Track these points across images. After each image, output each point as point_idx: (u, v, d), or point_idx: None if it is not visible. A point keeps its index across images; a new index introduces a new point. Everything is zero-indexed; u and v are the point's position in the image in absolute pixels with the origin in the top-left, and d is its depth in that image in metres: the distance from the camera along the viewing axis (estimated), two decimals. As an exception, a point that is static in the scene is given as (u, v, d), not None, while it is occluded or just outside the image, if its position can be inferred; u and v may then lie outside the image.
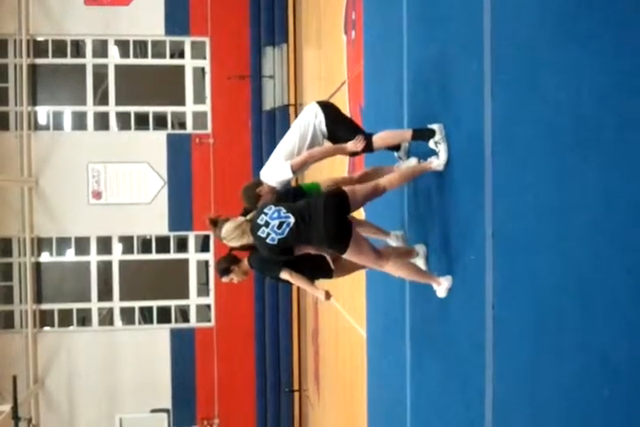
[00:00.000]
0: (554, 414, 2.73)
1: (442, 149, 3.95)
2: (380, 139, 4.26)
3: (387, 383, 5.70)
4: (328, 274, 4.45)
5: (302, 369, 12.63)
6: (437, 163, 3.96)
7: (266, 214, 3.81)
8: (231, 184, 11.88)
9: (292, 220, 3.76)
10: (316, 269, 4.40)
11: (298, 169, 4.30)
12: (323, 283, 4.61)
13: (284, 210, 3.80)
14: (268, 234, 3.77)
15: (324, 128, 4.32)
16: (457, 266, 3.83)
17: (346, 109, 7.81)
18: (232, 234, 3.89)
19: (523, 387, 2.96)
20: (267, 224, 3.78)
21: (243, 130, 12.62)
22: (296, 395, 12.64)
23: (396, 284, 4.99)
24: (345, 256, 3.87)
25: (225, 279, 4.51)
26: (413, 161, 4.45)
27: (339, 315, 8.60)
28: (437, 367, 4.20)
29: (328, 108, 4.40)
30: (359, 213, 5.57)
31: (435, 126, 4.00)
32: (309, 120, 4.33)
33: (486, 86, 3.32)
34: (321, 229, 3.72)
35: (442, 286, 3.89)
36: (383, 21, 5.74)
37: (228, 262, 4.45)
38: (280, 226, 3.76)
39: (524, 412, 2.98)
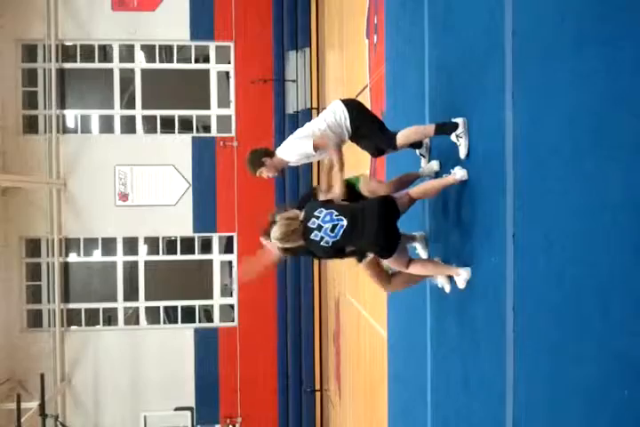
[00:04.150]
0: (574, 415, 2.73)
1: (462, 144, 3.92)
2: (403, 136, 4.25)
3: (407, 383, 5.73)
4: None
5: (324, 369, 12.69)
6: (462, 174, 3.92)
7: (318, 218, 3.82)
8: (254, 187, 12.01)
9: (344, 222, 3.78)
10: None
11: (317, 148, 4.19)
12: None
13: (336, 213, 3.82)
14: (322, 237, 3.79)
15: (348, 125, 4.32)
16: (478, 267, 3.85)
17: (368, 113, 7.85)
18: (287, 237, 3.83)
19: (543, 388, 2.96)
20: (319, 228, 3.79)
21: (266, 133, 12.75)
22: (317, 395, 12.70)
23: (416, 286, 5.04)
24: (385, 260, 3.94)
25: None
26: (434, 164, 4.51)
27: (360, 316, 8.65)
28: (458, 369, 4.20)
29: (352, 106, 4.39)
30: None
31: (458, 120, 3.98)
32: (336, 116, 4.32)
33: (507, 89, 3.32)
34: (372, 235, 3.76)
35: (460, 277, 3.93)
36: (405, 25, 5.78)
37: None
38: (333, 229, 3.78)
39: (544, 413, 2.97)
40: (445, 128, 4.06)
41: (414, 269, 4.02)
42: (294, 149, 4.28)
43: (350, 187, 4.28)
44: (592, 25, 2.60)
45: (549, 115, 2.94)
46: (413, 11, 5.32)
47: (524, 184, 3.20)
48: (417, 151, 4.77)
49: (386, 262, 4.09)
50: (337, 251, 3.90)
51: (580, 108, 2.69)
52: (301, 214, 3.91)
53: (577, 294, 2.70)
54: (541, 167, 3.01)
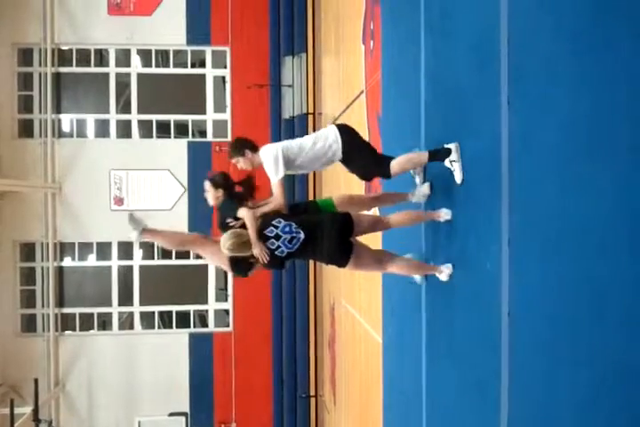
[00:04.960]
0: (569, 419, 2.74)
1: (457, 168, 4.01)
2: (397, 164, 4.31)
3: (402, 389, 5.72)
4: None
5: (318, 375, 12.66)
6: (446, 212, 4.13)
7: (276, 227, 3.99)
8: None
9: (302, 236, 3.98)
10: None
11: (276, 185, 4.28)
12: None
13: (295, 225, 3.99)
14: (278, 246, 3.99)
15: (340, 149, 4.36)
16: (474, 273, 3.87)
17: (364, 118, 7.88)
18: (237, 249, 3.98)
19: (538, 393, 2.97)
20: (277, 237, 3.98)
21: (262, 138, 12.59)
22: (312, 400, 12.67)
23: (412, 290, 5.05)
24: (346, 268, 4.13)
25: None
26: (426, 187, 4.55)
27: (355, 321, 8.64)
28: (453, 374, 4.21)
29: (344, 131, 4.42)
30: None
31: (451, 145, 4.04)
32: (327, 140, 4.36)
33: (503, 96, 3.34)
34: (324, 250, 3.98)
35: (443, 273, 4.11)
36: (401, 32, 5.79)
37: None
38: (291, 240, 3.98)
39: (539, 417, 2.99)
40: (439, 155, 4.13)
41: (395, 269, 4.20)
42: (267, 163, 4.32)
43: (318, 208, 4.42)
44: (586, 33, 2.61)
45: (545, 122, 2.95)
46: (409, 16, 5.34)
47: (519, 191, 3.22)
48: (410, 171, 4.78)
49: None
50: (282, 262, 4.11)
51: (576, 116, 2.70)
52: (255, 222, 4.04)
53: (572, 299, 2.71)
54: (537, 174, 3.02)
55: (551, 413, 2.89)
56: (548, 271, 2.91)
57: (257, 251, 4.04)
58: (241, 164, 4.43)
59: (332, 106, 10.93)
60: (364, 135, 5.46)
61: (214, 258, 4.44)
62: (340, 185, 9.60)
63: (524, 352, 3.15)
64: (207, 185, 4.46)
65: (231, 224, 4.17)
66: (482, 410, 3.67)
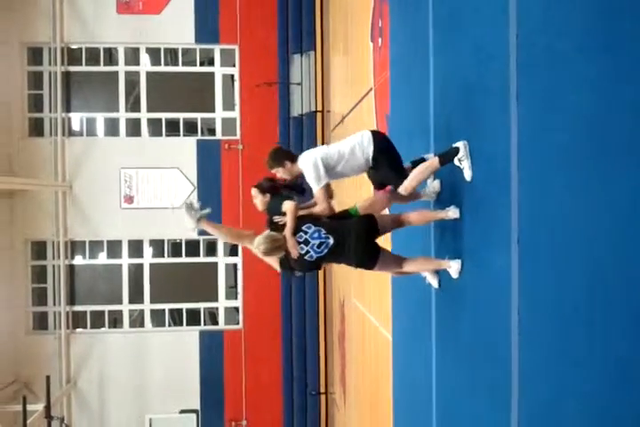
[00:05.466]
0: (579, 419, 2.73)
1: (465, 166, 4.05)
2: (414, 177, 4.35)
3: (412, 386, 5.73)
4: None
5: (329, 372, 12.69)
6: (454, 211, 4.20)
7: (306, 233, 4.15)
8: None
9: (331, 241, 4.14)
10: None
11: (319, 193, 4.38)
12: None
13: (324, 231, 4.15)
14: (307, 251, 4.15)
15: (370, 156, 4.40)
16: (483, 271, 3.87)
17: (372, 116, 7.88)
18: (270, 252, 4.14)
19: (548, 392, 2.96)
20: (306, 242, 4.14)
21: (271, 136, 12.77)
22: (322, 397, 12.70)
23: (421, 287, 5.05)
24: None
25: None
26: (437, 184, 4.62)
27: (365, 318, 8.65)
28: (463, 371, 4.21)
29: (379, 139, 4.47)
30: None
31: (459, 144, 4.07)
32: (364, 144, 4.41)
33: (512, 94, 3.35)
34: (354, 255, 4.15)
35: (452, 268, 4.20)
36: (409, 29, 5.79)
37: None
38: (320, 246, 4.14)
39: (549, 417, 2.98)
40: (448, 156, 4.17)
41: (409, 268, 4.37)
42: (307, 173, 4.40)
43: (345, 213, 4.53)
44: (596, 32, 2.60)
45: (554, 120, 2.95)
46: (418, 14, 5.33)
47: (529, 189, 3.21)
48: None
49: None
50: (314, 265, 4.28)
51: (586, 114, 2.68)
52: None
53: (582, 297, 2.71)
54: (547, 172, 3.02)
55: (561, 411, 2.88)
56: (558, 269, 2.90)
57: (289, 245, 4.15)
58: (280, 173, 4.52)
59: (341, 104, 10.93)
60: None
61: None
62: (348, 189, 9.59)
63: (534, 351, 3.14)
64: (254, 191, 4.57)
65: (276, 220, 4.30)
66: (492, 408, 3.66)
